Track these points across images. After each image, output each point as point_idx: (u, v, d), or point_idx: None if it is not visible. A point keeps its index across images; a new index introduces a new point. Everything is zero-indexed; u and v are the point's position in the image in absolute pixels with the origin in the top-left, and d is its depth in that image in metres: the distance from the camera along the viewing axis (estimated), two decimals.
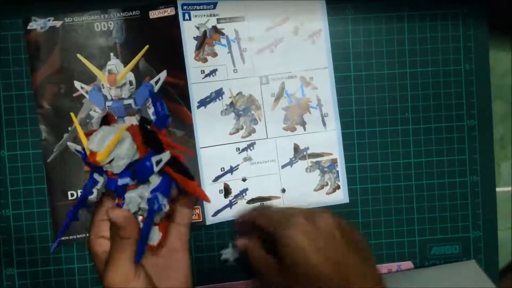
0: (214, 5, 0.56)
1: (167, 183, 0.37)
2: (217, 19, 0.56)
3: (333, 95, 0.57)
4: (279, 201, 0.57)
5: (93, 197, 0.37)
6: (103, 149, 0.33)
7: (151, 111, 0.56)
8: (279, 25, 0.57)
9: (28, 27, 0.55)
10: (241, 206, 0.56)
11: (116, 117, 0.39)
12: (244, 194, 0.57)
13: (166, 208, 0.36)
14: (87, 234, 0.55)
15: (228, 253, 0.48)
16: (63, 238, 0.55)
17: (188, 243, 0.41)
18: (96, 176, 0.36)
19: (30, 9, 0.55)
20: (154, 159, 0.35)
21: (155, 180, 0.36)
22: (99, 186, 0.36)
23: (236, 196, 0.57)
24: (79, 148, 0.36)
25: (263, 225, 0.41)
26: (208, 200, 0.39)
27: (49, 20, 0.55)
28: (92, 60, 0.55)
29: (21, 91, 0.56)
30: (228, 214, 0.56)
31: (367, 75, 0.58)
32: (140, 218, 0.37)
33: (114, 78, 0.55)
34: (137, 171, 0.35)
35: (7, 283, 0.56)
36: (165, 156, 0.36)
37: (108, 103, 0.55)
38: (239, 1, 0.56)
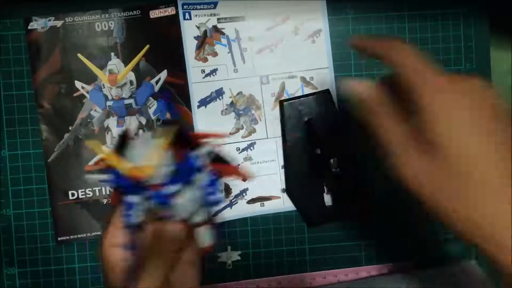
0: (215, 4, 0.56)
1: (212, 176, 0.35)
2: (218, 19, 0.56)
3: (333, 96, 0.57)
4: (279, 201, 0.57)
5: (137, 221, 0.35)
6: (145, 162, 0.32)
7: (151, 110, 0.56)
8: (279, 25, 0.57)
9: (29, 27, 0.55)
10: (241, 206, 0.56)
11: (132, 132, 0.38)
12: (244, 194, 0.57)
13: (223, 200, 0.35)
14: (95, 241, 0.56)
15: (224, 257, 0.47)
16: (64, 238, 0.55)
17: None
18: (130, 198, 0.34)
19: (30, 9, 0.55)
20: (195, 157, 0.34)
21: (202, 177, 0.35)
22: (137, 208, 0.34)
23: (236, 196, 0.57)
24: (103, 176, 0.34)
25: (400, 65, 0.33)
26: (252, 177, 0.37)
27: (49, 20, 0.55)
28: (93, 60, 0.55)
29: (22, 91, 0.56)
30: (229, 214, 0.56)
31: (368, 75, 0.58)
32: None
33: (115, 77, 0.55)
34: (182, 174, 0.34)
35: (8, 282, 0.56)
36: (205, 150, 0.35)
37: (109, 103, 0.55)
38: (240, 1, 0.56)
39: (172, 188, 0.33)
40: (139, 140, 0.34)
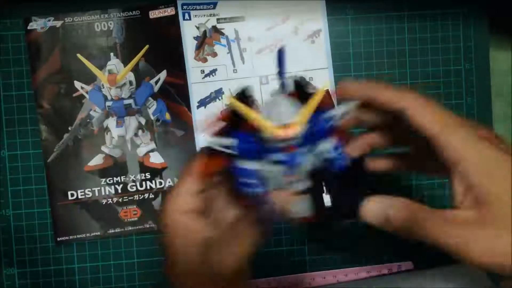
0: (214, 5, 0.56)
1: (338, 142, 0.33)
2: (217, 19, 0.56)
3: (333, 96, 0.57)
4: None
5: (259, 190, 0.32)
6: (291, 120, 0.30)
7: (150, 111, 0.56)
8: (279, 25, 0.57)
9: (29, 27, 0.55)
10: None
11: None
12: None
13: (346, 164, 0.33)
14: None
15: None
16: (63, 238, 0.55)
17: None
18: (250, 165, 0.32)
19: (30, 9, 0.55)
20: (328, 118, 0.32)
21: (327, 142, 0.32)
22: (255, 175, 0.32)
23: None
24: (227, 141, 0.32)
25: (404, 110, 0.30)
26: None
27: (49, 20, 0.55)
28: (92, 60, 0.55)
29: (22, 91, 0.56)
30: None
31: (368, 75, 0.58)
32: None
33: (114, 78, 0.55)
34: (312, 136, 0.31)
35: (7, 282, 0.56)
36: (340, 109, 0.32)
37: (108, 103, 0.55)
38: (239, 1, 0.56)
39: (303, 151, 0.31)
40: (273, 99, 0.32)
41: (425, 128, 0.30)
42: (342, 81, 0.34)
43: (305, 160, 0.32)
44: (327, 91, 0.33)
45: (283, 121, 0.30)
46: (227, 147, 0.32)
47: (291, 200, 0.32)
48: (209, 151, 0.33)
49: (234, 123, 0.33)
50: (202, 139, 0.56)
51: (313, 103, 0.30)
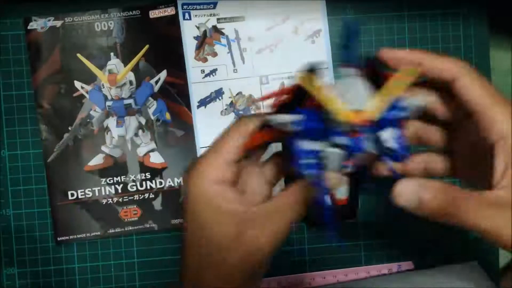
0: (214, 4, 0.56)
1: (401, 132, 0.31)
2: (217, 19, 0.56)
3: None
4: None
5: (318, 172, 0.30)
6: (367, 106, 0.28)
7: (151, 110, 0.56)
8: (279, 25, 0.57)
9: (29, 27, 0.55)
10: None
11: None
12: None
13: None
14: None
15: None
16: (63, 238, 0.55)
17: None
18: (310, 145, 0.30)
19: (30, 9, 0.55)
20: (402, 108, 0.29)
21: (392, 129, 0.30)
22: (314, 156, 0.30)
23: None
24: (292, 117, 0.30)
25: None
26: None
27: (49, 20, 0.55)
28: (92, 60, 0.55)
29: (22, 91, 0.56)
30: None
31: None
32: None
33: (114, 78, 0.55)
34: (384, 122, 0.29)
35: (8, 282, 0.56)
36: (417, 101, 0.30)
37: (108, 103, 0.55)
38: (239, 1, 0.56)
39: (368, 137, 0.29)
40: (348, 80, 0.30)
41: (474, 101, 0.29)
42: (385, 48, 0.32)
43: (368, 146, 0.30)
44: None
45: (358, 105, 0.28)
46: (284, 123, 0.30)
47: (341, 182, 0.31)
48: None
49: (297, 99, 0.31)
50: (202, 140, 0.56)
51: (394, 89, 0.28)
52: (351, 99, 0.28)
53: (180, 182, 0.56)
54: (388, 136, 0.30)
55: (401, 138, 0.30)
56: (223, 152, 0.31)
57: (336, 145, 0.30)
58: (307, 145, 0.30)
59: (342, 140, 0.29)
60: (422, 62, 0.30)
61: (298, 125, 0.30)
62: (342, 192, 0.33)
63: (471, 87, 0.29)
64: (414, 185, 0.29)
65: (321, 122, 0.30)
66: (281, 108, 0.32)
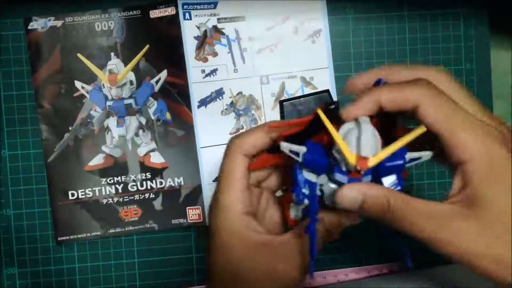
0: (215, 4, 0.56)
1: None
2: (218, 19, 0.56)
3: (333, 96, 0.57)
4: None
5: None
6: (373, 154, 0.29)
7: (151, 110, 0.56)
8: (279, 25, 0.57)
9: (29, 27, 0.55)
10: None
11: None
12: None
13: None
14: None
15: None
16: (64, 238, 0.55)
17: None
18: (309, 176, 0.32)
19: (30, 9, 0.55)
20: (405, 158, 0.31)
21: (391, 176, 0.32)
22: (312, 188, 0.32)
23: None
24: (298, 148, 0.31)
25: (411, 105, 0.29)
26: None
27: (49, 20, 0.55)
28: (93, 59, 0.55)
29: (22, 91, 0.56)
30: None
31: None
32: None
33: (115, 77, 0.55)
34: (385, 169, 0.31)
35: (8, 282, 0.56)
36: (426, 156, 0.31)
37: (109, 103, 0.55)
38: (240, 1, 0.56)
39: (366, 180, 0.31)
40: (359, 125, 0.31)
41: (436, 126, 0.29)
42: (350, 80, 0.34)
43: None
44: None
45: (363, 152, 0.29)
46: (293, 152, 0.31)
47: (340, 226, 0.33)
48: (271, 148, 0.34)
49: (309, 131, 0.33)
50: (202, 140, 0.56)
51: (400, 144, 0.29)
52: (358, 143, 0.29)
53: (180, 182, 0.56)
54: (388, 181, 0.32)
55: (400, 183, 0.32)
56: (234, 179, 0.33)
57: (335, 181, 0.31)
58: (308, 175, 0.32)
59: (342, 178, 0.31)
60: (380, 97, 0.30)
61: (304, 156, 0.31)
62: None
63: (433, 112, 0.29)
64: (358, 189, 0.30)
65: (325, 158, 0.31)
66: (291, 137, 0.33)
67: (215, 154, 0.56)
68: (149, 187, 0.56)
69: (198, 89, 0.56)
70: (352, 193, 0.30)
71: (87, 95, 0.55)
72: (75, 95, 0.55)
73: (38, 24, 0.55)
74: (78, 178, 0.55)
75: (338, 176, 0.31)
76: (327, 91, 0.52)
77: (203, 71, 0.56)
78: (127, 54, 0.56)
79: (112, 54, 0.56)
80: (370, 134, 0.30)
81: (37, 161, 0.56)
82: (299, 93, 0.57)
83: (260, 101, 0.57)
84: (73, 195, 0.55)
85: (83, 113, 0.55)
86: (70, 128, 0.55)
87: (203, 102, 0.56)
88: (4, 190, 0.56)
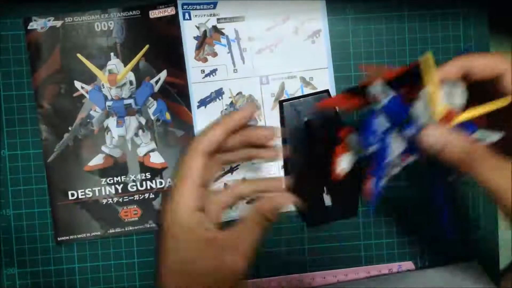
0: (214, 4, 0.56)
1: None
2: (217, 19, 0.56)
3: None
4: None
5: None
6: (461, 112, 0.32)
7: (151, 111, 0.56)
8: (279, 25, 0.57)
9: (29, 27, 0.55)
10: (241, 206, 0.56)
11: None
12: None
13: None
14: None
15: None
16: (63, 238, 0.55)
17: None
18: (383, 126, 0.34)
19: (30, 9, 0.55)
20: (478, 134, 0.34)
21: None
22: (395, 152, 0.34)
23: None
24: (385, 91, 0.34)
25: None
26: None
27: (49, 20, 0.55)
28: (92, 60, 0.55)
29: (22, 91, 0.56)
30: (228, 214, 0.56)
31: (368, 75, 0.58)
32: None
33: (115, 78, 0.55)
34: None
35: (8, 282, 0.56)
36: (496, 136, 0.34)
37: (109, 103, 0.55)
38: (239, 1, 0.56)
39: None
40: (453, 82, 0.33)
41: None
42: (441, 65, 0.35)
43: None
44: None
45: (454, 106, 0.32)
46: (378, 95, 0.33)
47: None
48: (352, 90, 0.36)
49: (401, 79, 0.35)
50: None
51: (485, 109, 0.32)
52: (451, 98, 0.32)
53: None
54: None
55: None
56: (190, 177, 0.35)
57: (403, 137, 0.33)
58: (382, 122, 0.34)
59: (412, 132, 0.33)
60: (471, 63, 0.34)
61: (391, 99, 0.33)
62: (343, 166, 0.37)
63: None
64: (443, 131, 0.32)
65: (405, 110, 0.33)
66: (390, 81, 0.35)
67: None
68: (149, 187, 0.56)
69: (197, 89, 0.56)
70: (437, 133, 0.32)
71: (87, 95, 0.55)
72: (74, 95, 0.55)
73: (38, 24, 0.55)
74: (78, 178, 0.55)
75: (409, 130, 0.33)
76: (327, 91, 0.53)
77: (202, 71, 0.56)
78: (126, 54, 0.56)
79: (112, 54, 0.56)
80: (460, 91, 0.32)
81: (37, 161, 0.56)
82: (299, 94, 0.57)
83: (260, 101, 0.57)
84: (73, 195, 0.55)
85: (82, 113, 0.55)
86: (69, 128, 0.55)
87: (203, 102, 0.56)
88: (4, 190, 0.56)
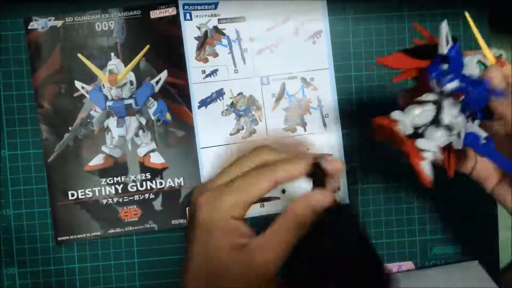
0: (215, 5, 0.56)
1: None
2: (218, 19, 0.56)
3: (333, 96, 0.57)
4: (279, 202, 0.57)
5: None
6: None
7: (151, 111, 0.56)
8: (279, 25, 0.57)
9: (29, 27, 0.55)
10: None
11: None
12: None
13: None
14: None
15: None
16: (63, 238, 0.55)
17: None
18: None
19: (30, 9, 0.55)
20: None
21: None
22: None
23: None
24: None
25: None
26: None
27: (49, 20, 0.55)
28: (93, 60, 0.55)
29: (22, 91, 0.56)
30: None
31: (368, 75, 0.58)
32: None
33: (115, 78, 0.55)
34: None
35: (8, 282, 0.56)
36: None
37: (109, 103, 0.55)
38: (240, 1, 0.56)
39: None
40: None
41: None
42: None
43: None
44: None
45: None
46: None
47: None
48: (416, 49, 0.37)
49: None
50: (202, 140, 0.56)
51: None
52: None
53: (180, 182, 0.56)
54: None
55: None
56: (249, 196, 0.34)
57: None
58: (444, 67, 0.35)
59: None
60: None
61: (455, 47, 0.35)
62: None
63: None
64: (505, 71, 0.36)
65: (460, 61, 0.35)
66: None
67: (215, 154, 0.56)
68: (149, 188, 0.56)
69: (198, 89, 0.56)
70: (499, 74, 0.35)
71: (87, 95, 0.55)
72: (75, 95, 0.55)
73: (38, 24, 0.55)
74: (78, 178, 0.55)
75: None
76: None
77: (203, 71, 0.56)
78: (127, 54, 0.55)
79: (112, 54, 0.55)
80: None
81: (37, 161, 0.56)
82: (300, 94, 0.57)
83: (260, 102, 0.57)
84: (73, 195, 0.55)
85: (83, 113, 0.55)
86: (70, 128, 0.55)
87: (204, 103, 0.56)
88: (4, 190, 0.56)
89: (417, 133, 0.36)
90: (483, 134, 0.36)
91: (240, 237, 0.34)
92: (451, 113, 0.35)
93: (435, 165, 0.37)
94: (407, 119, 0.36)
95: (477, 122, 0.37)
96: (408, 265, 0.58)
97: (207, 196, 0.34)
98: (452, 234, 0.58)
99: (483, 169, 0.41)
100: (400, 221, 0.58)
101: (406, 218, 0.58)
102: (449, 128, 0.36)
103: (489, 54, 0.36)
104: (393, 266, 0.58)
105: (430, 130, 0.36)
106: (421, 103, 0.36)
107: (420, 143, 0.36)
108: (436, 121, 0.36)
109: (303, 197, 0.35)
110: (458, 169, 0.40)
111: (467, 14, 0.36)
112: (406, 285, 0.55)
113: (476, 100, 0.34)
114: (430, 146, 0.36)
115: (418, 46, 0.38)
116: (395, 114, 0.36)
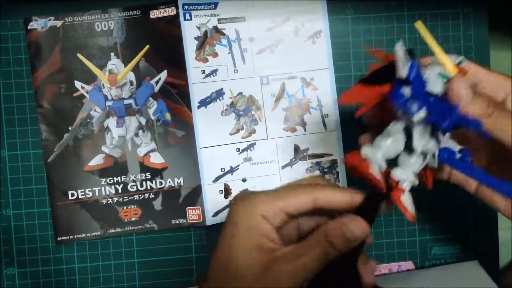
0: (215, 5, 0.56)
1: None
2: (218, 19, 0.56)
3: (333, 96, 0.57)
4: None
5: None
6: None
7: (151, 111, 0.56)
8: (279, 25, 0.57)
9: (29, 27, 0.55)
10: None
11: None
12: None
13: None
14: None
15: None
16: (63, 238, 0.55)
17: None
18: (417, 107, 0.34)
19: (30, 9, 0.55)
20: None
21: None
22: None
23: None
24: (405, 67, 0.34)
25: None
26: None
27: (49, 20, 0.55)
28: (93, 60, 0.55)
29: (22, 91, 0.56)
30: None
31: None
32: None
33: (115, 78, 0.55)
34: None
35: (8, 282, 0.56)
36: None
37: (109, 103, 0.55)
38: (240, 1, 0.56)
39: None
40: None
41: None
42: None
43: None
44: None
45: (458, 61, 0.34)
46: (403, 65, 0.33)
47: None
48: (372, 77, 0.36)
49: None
50: (202, 140, 0.56)
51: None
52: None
53: (180, 182, 0.56)
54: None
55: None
56: (284, 202, 0.34)
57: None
58: (406, 91, 0.33)
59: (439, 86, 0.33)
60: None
61: (413, 65, 0.33)
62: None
63: None
64: (468, 82, 0.33)
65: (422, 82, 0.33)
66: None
67: (215, 154, 0.56)
68: (148, 187, 0.56)
69: (198, 89, 0.56)
70: (466, 86, 0.33)
71: (87, 95, 0.55)
72: (75, 95, 0.55)
73: (38, 24, 0.55)
74: (77, 178, 0.55)
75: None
76: None
77: (203, 71, 0.56)
78: (127, 54, 0.55)
79: (112, 54, 0.55)
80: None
81: (37, 161, 0.56)
82: (300, 94, 0.57)
83: (260, 102, 0.57)
84: (72, 195, 0.55)
85: (83, 113, 0.55)
86: (69, 128, 0.55)
87: (203, 103, 0.56)
88: (3, 190, 0.56)
89: (390, 160, 0.35)
90: (456, 147, 0.35)
91: (267, 239, 0.33)
92: (423, 141, 0.34)
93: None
94: (378, 155, 0.35)
95: (448, 135, 0.36)
96: (408, 265, 0.58)
97: (245, 195, 0.35)
98: (452, 234, 0.58)
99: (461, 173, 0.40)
100: (400, 221, 0.58)
101: (406, 218, 0.58)
102: (423, 152, 0.35)
103: (448, 65, 0.33)
104: (393, 266, 0.58)
105: (403, 157, 0.35)
106: (389, 134, 0.35)
107: (396, 174, 0.35)
108: (407, 147, 0.35)
109: (339, 223, 0.33)
110: (435, 178, 0.39)
111: (419, 23, 0.34)
112: (406, 285, 0.55)
113: (446, 121, 0.33)
114: (407, 175, 0.35)
115: (375, 71, 0.36)
116: (366, 151, 0.35)
